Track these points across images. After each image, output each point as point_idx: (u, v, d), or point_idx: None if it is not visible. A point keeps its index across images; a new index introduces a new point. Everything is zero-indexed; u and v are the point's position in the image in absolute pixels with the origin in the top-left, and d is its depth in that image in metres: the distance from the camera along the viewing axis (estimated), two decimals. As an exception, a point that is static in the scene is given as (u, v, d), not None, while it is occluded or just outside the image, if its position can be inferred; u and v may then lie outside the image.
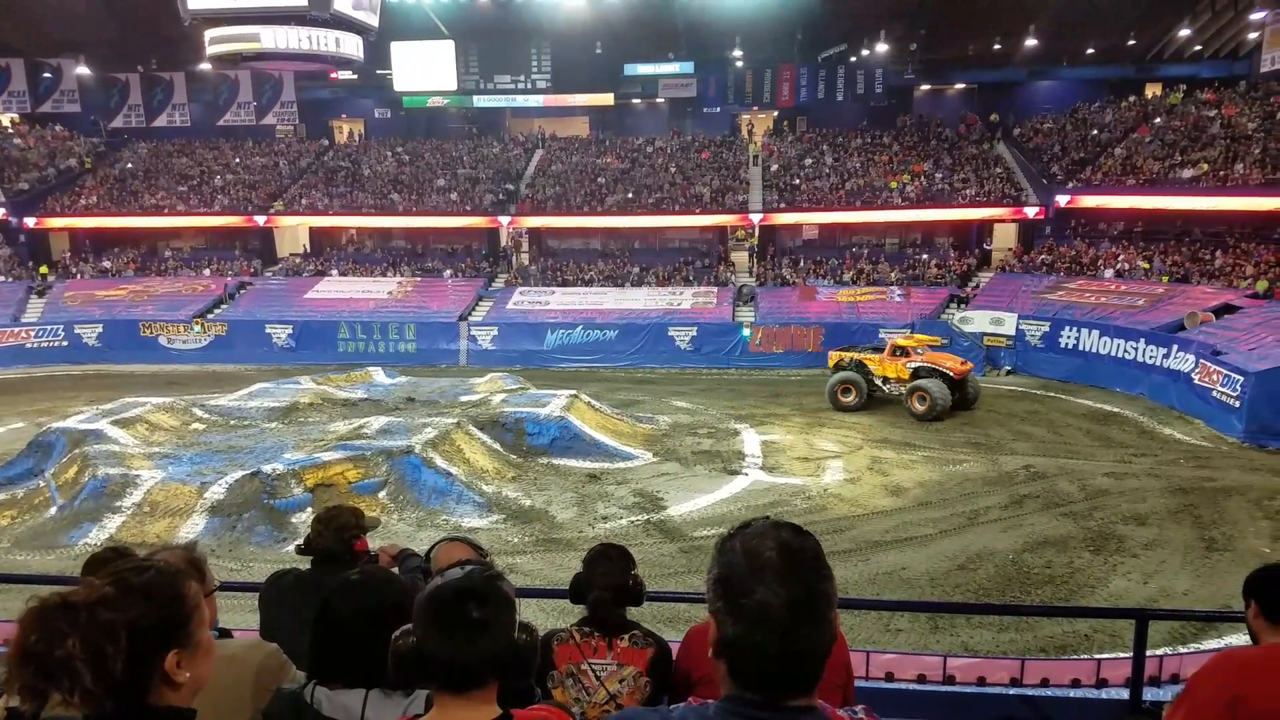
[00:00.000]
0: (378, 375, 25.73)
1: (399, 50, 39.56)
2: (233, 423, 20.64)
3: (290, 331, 33.47)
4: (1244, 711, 2.35)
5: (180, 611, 1.82)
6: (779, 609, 1.59)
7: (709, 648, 1.69)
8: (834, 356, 25.68)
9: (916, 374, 23.59)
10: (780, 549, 1.64)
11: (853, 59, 40.19)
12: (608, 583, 3.54)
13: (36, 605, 1.69)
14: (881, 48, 39.01)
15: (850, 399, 24.42)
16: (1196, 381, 23.17)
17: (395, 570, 3.97)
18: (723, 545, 1.72)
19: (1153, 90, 39.14)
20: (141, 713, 1.75)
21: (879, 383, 24.44)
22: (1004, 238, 36.77)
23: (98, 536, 14.95)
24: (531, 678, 2.15)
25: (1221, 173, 30.63)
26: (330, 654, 2.55)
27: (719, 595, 1.66)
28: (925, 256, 35.93)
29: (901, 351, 24.18)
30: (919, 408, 22.97)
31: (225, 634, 4.13)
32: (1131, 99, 37.87)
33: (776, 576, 1.61)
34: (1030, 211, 34.69)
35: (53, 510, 16.30)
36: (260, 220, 39.21)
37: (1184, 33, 37.16)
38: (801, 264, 36.12)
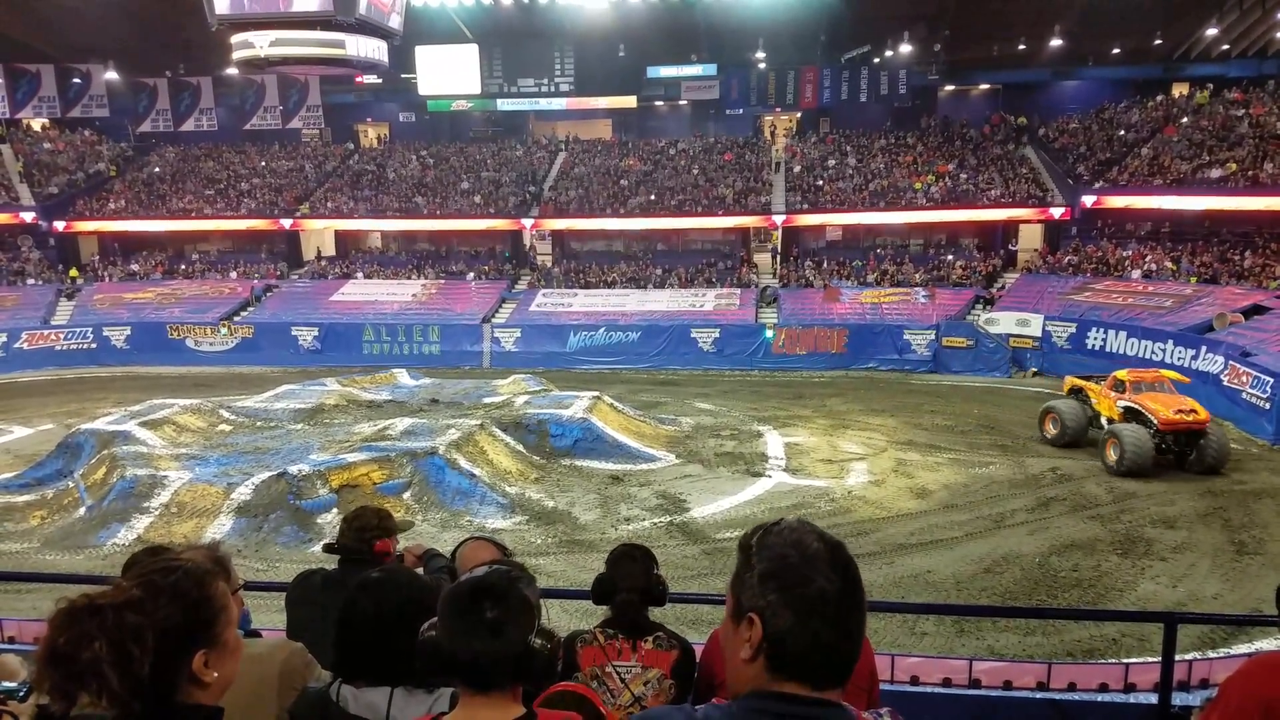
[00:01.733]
0: (402, 377, 25.86)
1: (423, 54, 39.74)
2: (259, 424, 20.80)
3: (316, 334, 33.70)
4: (1277, 717, 2.32)
5: (207, 612, 1.84)
6: (834, 595, 1.64)
7: (746, 649, 1.67)
8: (1069, 382, 21.69)
9: (1127, 416, 19.10)
10: (822, 540, 1.71)
11: (876, 60, 40.01)
12: (632, 584, 3.53)
13: (65, 607, 1.71)
14: (905, 48, 38.81)
15: (1052, 431, 20.57)
16: (1226, 383, 22.93)
17: (420, 570, 3.99)
18: (760, 541, 1.73)
19: (1179, 90, 38.74)
20: (169, 712, 1.76)
21: (1104, 421, 19.80)
22: (1030, 238, 36.49)
23: (126, 537, 15.11)
24: (548, 685, 2.15)
25: (1250, 172, 30.28)
26: (353, 652, 2.56)
27: (771, 589, 1.66)
28: (950, 257, 35.72)
29: (1119, 386, 19.66)
30: (1109, 457, 18.31)
31: (254, 634, 4.17)
32: (1158, 99, 37.52)
33: (828, 565, 1.67)
34: (1056, 212, 34.41)
35: (81, 511, 16.49)
36: (286, 223, 39.51)
37: (1211, 32, 36.72)
38: (825, 265, 36.00)
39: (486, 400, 22.65)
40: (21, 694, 3.04)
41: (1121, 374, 19.88)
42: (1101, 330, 27.73)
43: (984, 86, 44.37)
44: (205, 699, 1.83)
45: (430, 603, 2.50)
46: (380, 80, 41.03)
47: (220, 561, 2.79)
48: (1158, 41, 38.74)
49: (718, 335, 31.89)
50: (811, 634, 1.63)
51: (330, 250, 41.44)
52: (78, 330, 34.35)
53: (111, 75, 40.89)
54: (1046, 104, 42.00)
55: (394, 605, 2.55)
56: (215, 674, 1.83)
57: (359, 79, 40.73)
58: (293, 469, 16.28)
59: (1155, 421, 18.21)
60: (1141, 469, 17.76)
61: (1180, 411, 18.16)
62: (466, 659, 1.98)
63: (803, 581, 1.64)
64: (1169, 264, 30.47)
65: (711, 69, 41.28)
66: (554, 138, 44.72)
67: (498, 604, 2.00)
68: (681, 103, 44.61)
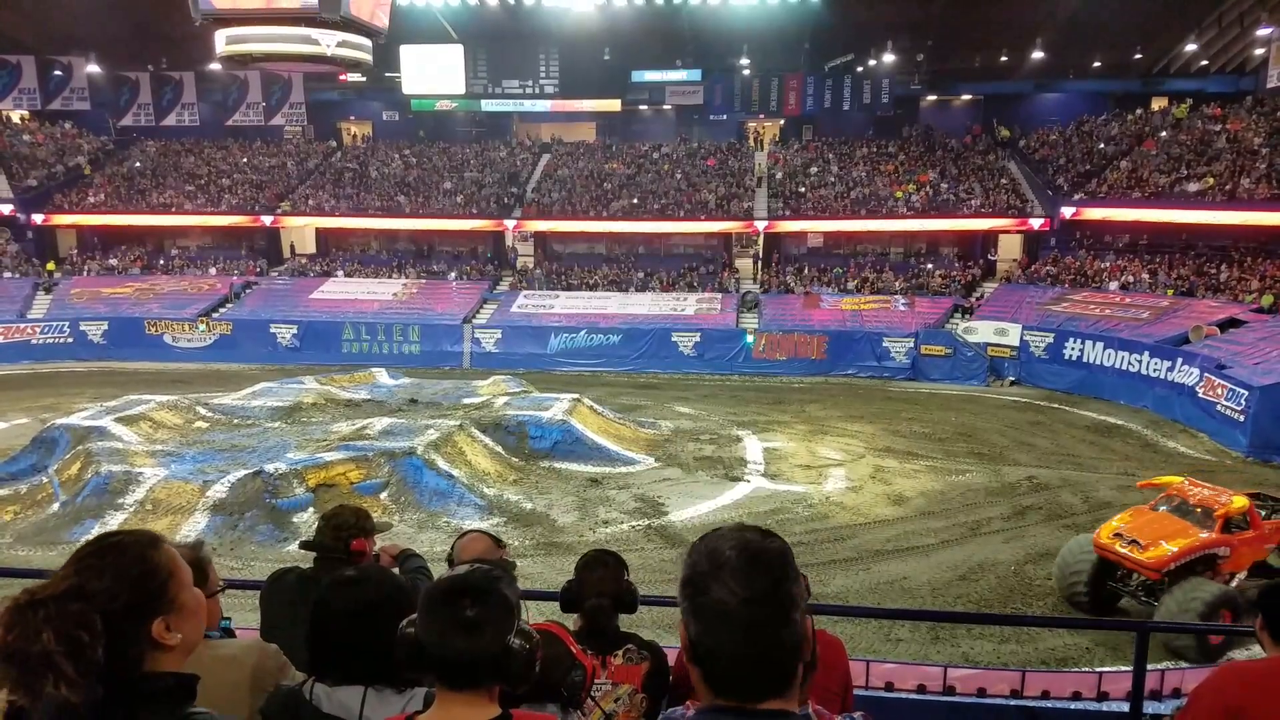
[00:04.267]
0: (381, 376, 25.74)
1: (408, 53, 39.65)
2: (236, 422, 20.66)
3: (295, 331, 33.50)
4: (1244, 724, 2.35)
5: (154, 583, 1.82)
6: (736, 607, 1.58)
7: (684, 654, 1.68)
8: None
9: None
10: (740, 548, 1.64)
11: (860, 69, 40.24)
12: (603, 589, 3.46)
13: (10, 603, 1.72)
14: (888, 58, 39.05)
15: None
16: (1201, 395, 23.14)
17: (395, 570, 3.97)
18: (691, 549, 1.72)
19: (1159, 104, 39.13)
20: (138, 683, 1.76)
21: None
22: (1009, 249, 36.74)
23: (100, 533, 14.95)
24: (525, 686, 2.15)
25: (1227, 187, 30.60)
26: (326, 651, 2.55)
27: (684, 596, 1.67)
28: (930, 266, 35.92)
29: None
30: None
31: (229, 634, 4.14)
32: (1138, 112, 37.86)
33: (734, 575, 1.60)
34: (1035, 223, 34.68)
35: (55, 506, 16.33)
36: (267, 220, 39.28)
37: (1190, 48, 37.16)
38: (806, 272, 36.12)
39: (466, 401, 22.58)
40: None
41: (1176, 479, 14.17)
42: (1079, 341, 27.93)
43: (966, 97, 44.65)
44: (172, 662, 1.83)
45: (403, 602, 2.49)
46: (364, 79, 40.86)
47: (198, 563, 2.76)
48: (1138, 56, 39.16)
49: (698, 339, 31.92)
50: (716, 644, 1.60)
51: (311, 248, 41.22)
52: (54, 324, 33.99)
53: (93, 68, 40.57)
54: (1027, 115, 42.35)
55: (367, 604, 2.54)
56: (179, 635, 1.82)
57: (343, 77, 40.57)
58: (269, 467, 16.18)
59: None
60: (1065, 593, 12.85)
61: (1120, 536, 12.39)
62: (444, 657, 1.98)
63: (703, 590, 1.62)
64: (1146, 276, 30.75)
65: (696, 74, 41.41)
66: (538, 139, 44.68)
67: (477, 602, 2.00)
68: (666, 107, 44.67)
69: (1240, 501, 12.74)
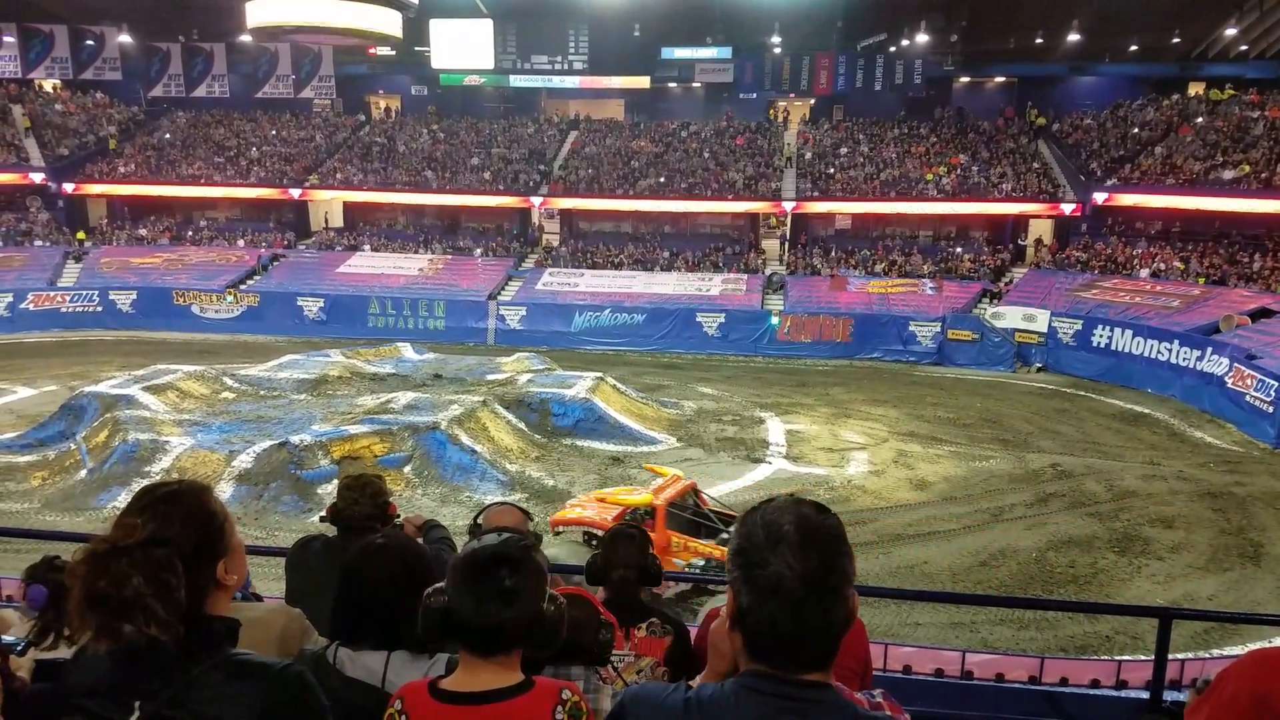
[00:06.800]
0: (406, 351, 25.91)
1: (437, 27, 39.54)
2: (262, 393, 20.85)
3: (321, 305, 33.70)
4: (1270, 709, 2.32)
5: (215, 526, 1.98)
6: (792, 581, 1.61)
7: (727, 619, 1.72)
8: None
9: None
10: (798, 523, 1.67)
11: (892, 48, 39.71)
12: (629, 562, 3.51)
13: (89, 552, 1.83)
14: (921, 38, 38.53)
15: None
16: (1229, 385, 22.89)
17: (420, 540, 4.01)
18: (744, 518, 1.75)
19: (1196, 89, 38.50)
20: (200, 623, 1.89)
21: None
22: (1040, 234, 36.36)
23: (126, 500, 15.11)
24: (554, 649, 2.21)
25: (1264, 175, 30.11)
26: (352, 616, 2.59)
27: (736, 566, 1.69)
28: (959, 250, 35.60)
29: None
30: None
31: (256, 598, 4.19)
32: (1174, 97, 37.25)
33: (792, 549, 1.63)
34: (1067, 208, 34.24)
35: (82, 473, 16.57)
36: (295, 193, 39.43)
37: (1230, 32, 36.42)
38: (833, 254, 35.89)
39: (490, 377, 22.67)
40: (20, 648, 3.05)
41: (669, 472, 14.90)
42: (1108, 328, 27.63)
43: (999, 79, 44.05)
44: (224, 601, 2.00)
45: (430, 571, 2.52)
46: (393, 52, 40.82)
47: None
48: (1176, 40, 38.44)
49: (723, 320, 31.84)
50: (768, 617, 1.63)
51: (338, 222, 41.39)
52: (84, 293, 34.37)
53: (125, 38, 40.70)
54: (1062, 98, 41.72)
55: (400, 570, 2.58)
56: (234, 576, 2.00)
57: (372, 50, 40.54)
58: (294, 439, 16.34)
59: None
60: None
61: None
62: (482, 625, 2.04)
63: (761, 563, 1.65)
64: (1178, 264, 30.36)
65: (726, 52, 41.02)
66: (565, 116, 44.55)
67: (514, 573, 2.07)
68: (695, 85, 44.34)
69: (644, 499, 12.90)
